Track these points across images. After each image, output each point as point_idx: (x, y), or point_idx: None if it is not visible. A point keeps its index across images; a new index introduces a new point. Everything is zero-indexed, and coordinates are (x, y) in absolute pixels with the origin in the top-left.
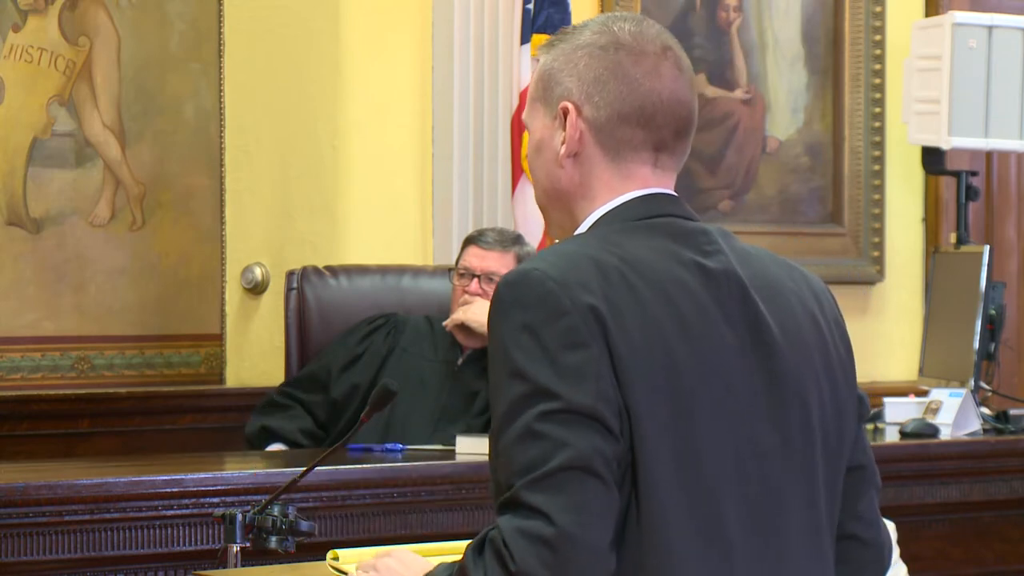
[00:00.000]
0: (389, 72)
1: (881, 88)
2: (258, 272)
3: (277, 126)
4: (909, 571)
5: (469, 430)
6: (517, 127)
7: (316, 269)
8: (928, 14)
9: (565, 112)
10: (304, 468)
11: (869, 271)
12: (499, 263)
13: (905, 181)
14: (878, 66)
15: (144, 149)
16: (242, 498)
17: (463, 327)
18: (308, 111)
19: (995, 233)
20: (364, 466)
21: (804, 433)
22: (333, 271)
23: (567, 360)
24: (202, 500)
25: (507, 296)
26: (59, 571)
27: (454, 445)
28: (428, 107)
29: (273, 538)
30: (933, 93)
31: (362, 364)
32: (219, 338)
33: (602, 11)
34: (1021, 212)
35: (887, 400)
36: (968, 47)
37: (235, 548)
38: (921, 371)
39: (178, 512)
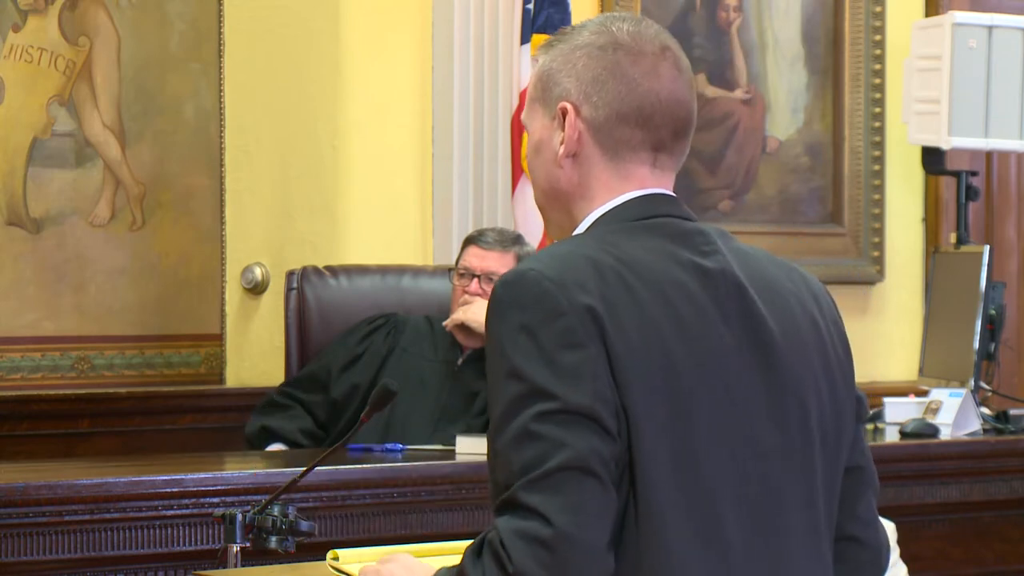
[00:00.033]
0: (389, 72)
1: (881, 88)
2: (258, 272)
3: (277, 126)
4: (909, 571)
5: (469, 430)
6: (517, 127)
7: (316, 269)
8: (928, 14)
9: (564, 112)
10: (304, 468)
11: (869, 271)
12: (499, 263)
13: (905, 181)
14: (878, 66)
15: (144, 149)
16: (242, 498)
17: (463, 327)
18: (308, 111)
19: (995, 233)
20: (364, 466)
21: (803, 433)
22: (333, 271)
23: (564, 360)
24: (202, 500)
25: (504, 296)
26: (59, 571)
27: (454, 445)
28: (428, 107)
29: (273, 538)
30: (933, 93)
31: (362, 364)
32: (219, 338)
33: (602, 11)
34: (1021, 212)
35: (887, 400)
36: (968, 47)
37: (235, 548)
38: (921, 371)
39: (178, 512)
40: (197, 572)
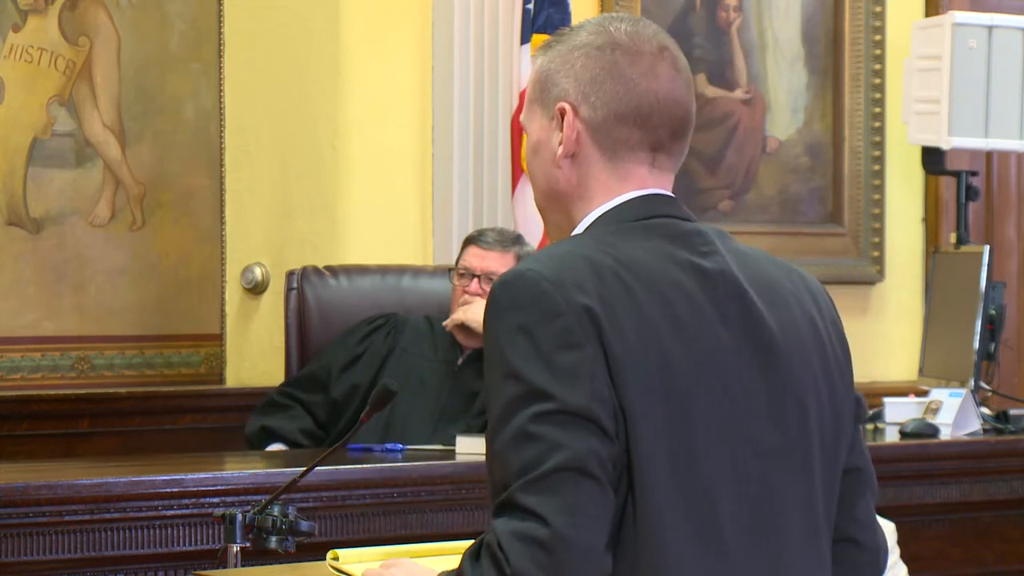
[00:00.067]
0: (389, 72)
1: (881, 88)
2: (258, 272)
3: (277, 126)
4: (909, 571)
5: (469, 430)
6: (517, 127)
7: (316, 269)
8: (928, 14)
9: (562, 113)
10: (304, 468)
11: (869, 271)
12: (499, 263)
13: (905, 181)
14: (878, 66)
15: (144, 149)
16: (242, 498)
17: (463, 327)
18: (308, 111)
19: (995, 233)
20: (364, 466)
21: (802, 433)
22: (333, 271)
23: (562, 361)
24: (202, 500)
25: (502, 297)
26: (59, 571)
27: (454, 445)
28: (428, 107)
29: (273, 538)
30: (933, 93)
31: (362, 364)
32: (219, 338)
33: (602, 11)
34: (1021, 212)
35: (887, 400)
36: (968, 47)
37: (235, 548)
38: (921, 371)
39: (178, 512)
40: (197, 572)
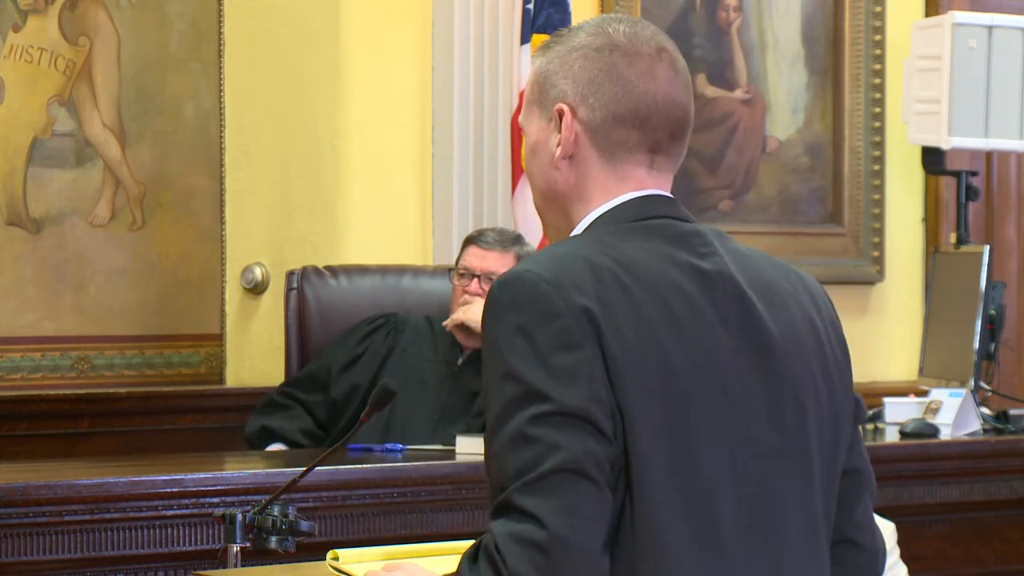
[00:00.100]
0: (389, 72)
1: (881, 88)
2: (258, 272)
3: (277, 126)
4: (909, 571)
5: (469, 430)
6: (517, 127)
7: (316, 269)
8: (928, 14)
9: (560, 114)
10: (304, 468)
11: (869, 271)
12: (499, 263)
13: (905, 181)
14: (878, 66)
15: (144, 149)
16: (242, 498)
17: (463, 327)
18: (308, 111)
19: (995, 233)
20: (364, 466)
21: (801, 434)
22: (333, 271)
23: (560, 362)
24: (202, 500)
25: (501, 298)
26: (59, 571)
27: (454, 445)
28: (428, 107)
29: (273, 538)
30: (933, 93)
31: (362, 364)
32: (219, 338)
33: (602, 11)
34: (1021, 212)
35: (887, 400)
36: (968, 47)
37: (235, 548)
38: (921, 371)
39: (178, 512)
40: (197, 572)
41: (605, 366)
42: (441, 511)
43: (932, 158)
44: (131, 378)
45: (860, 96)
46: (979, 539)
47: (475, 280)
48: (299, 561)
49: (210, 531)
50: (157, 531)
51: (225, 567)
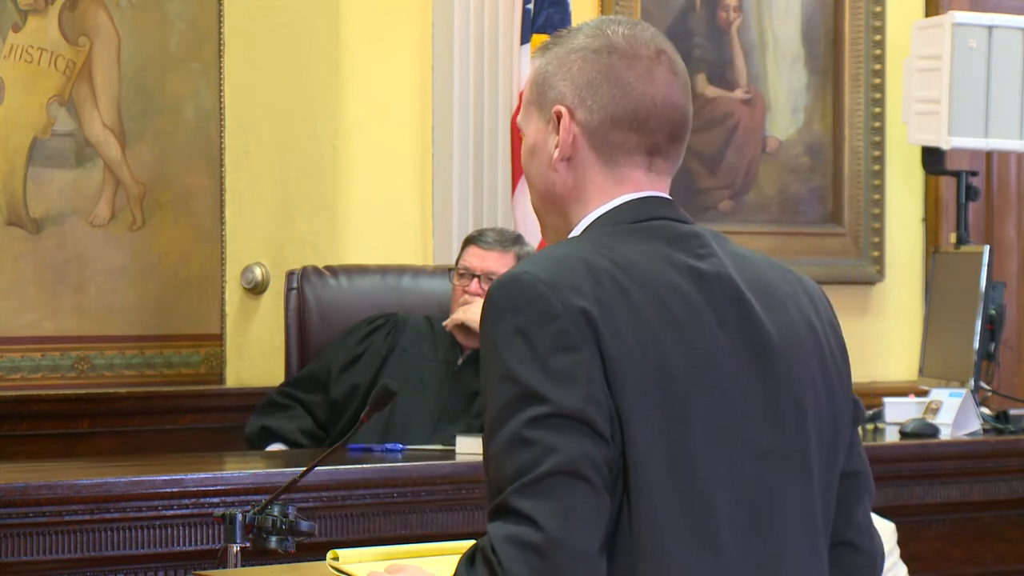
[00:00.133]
0: (389, 72)
1: (881, 88)
2: (258, 272)
3: (277, 126)
4: (909, 571)
5: (469, 430)
6: (517, 127)
7: (316, 269)
8: (928, 14)
9: (558, 116)
10: (304, 468)
11: (869, 271)
12: (499, 263)
13: (905, 181)
14: (878, 66)
15: (144, 149)
16: (242, 498)
17: (463, 327)
18: (308, 111)
19: (995, 233)
20: (364, 466)
21: (800, 436)
22: (333, 271)
23: (558, 363)
24: (202, 500)
25: (499, 299)
26: (59, 571)
27: (454, 445)
28: (428, 107)
29: (273, 538)
30: (933, 93)
31: (362, 364)
32: (219, 338)
33: (602, 11)
34: (1021, 212)
35: (887, 400)
36: (968, 47)
37: (235, 548)
38: (921, 371)
39: (178, 512)
40: (197, 572)
41: (603, 368)
42: (441, 511)
43: (932, 158)
44: (131, 378)
45: (860, 96)
46: (979, 539)
47: (475, 280)
48: (299, 561)
49: (210, 531)
50: (157, 531)
51: (225, 567)
